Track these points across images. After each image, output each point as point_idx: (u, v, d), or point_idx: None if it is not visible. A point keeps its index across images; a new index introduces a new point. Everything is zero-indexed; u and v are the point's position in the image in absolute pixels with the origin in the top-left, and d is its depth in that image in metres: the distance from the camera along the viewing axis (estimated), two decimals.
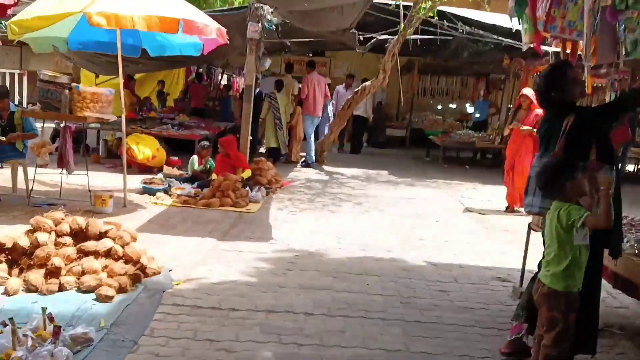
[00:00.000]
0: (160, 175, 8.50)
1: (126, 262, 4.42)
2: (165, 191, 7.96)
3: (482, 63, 15.39)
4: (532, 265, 4.19)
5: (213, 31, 6.67)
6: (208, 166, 8.78)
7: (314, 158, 11.86)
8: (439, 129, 15.43)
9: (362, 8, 8.29)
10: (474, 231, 7.24)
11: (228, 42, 7.05)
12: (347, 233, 6.62)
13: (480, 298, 4.77)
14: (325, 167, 11.94)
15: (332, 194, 9.03)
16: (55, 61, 17.29)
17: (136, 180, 8.22)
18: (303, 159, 12.09)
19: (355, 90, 11.72)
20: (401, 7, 10.62)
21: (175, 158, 9.83)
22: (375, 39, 11.82)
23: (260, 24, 8.39)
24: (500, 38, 10.98)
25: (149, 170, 9.27)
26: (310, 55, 18.29)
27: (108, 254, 4.41)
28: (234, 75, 17.84)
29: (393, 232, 6.85)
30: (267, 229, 6.62)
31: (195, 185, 8.23)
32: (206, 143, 8.92)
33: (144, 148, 9.16)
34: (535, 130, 7.41)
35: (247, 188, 7.92)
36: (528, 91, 8.00)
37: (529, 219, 4.82)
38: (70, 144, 6.97)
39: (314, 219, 7.30)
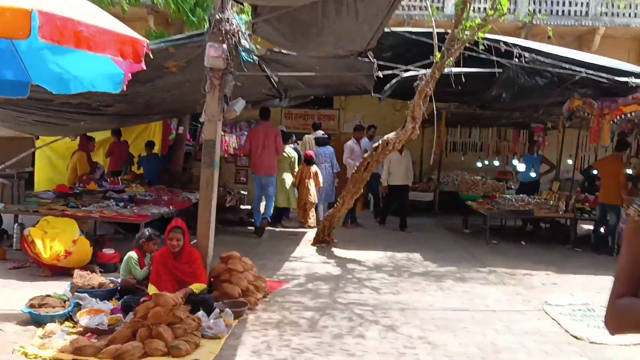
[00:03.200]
0: (63, 290, 5.25)
1: None
2: (69, 317, 4.77)
3: (528, 108, 12.32)
4: None
5: (117, 45, 3.60)
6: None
7: (258, 221, 9.77)
8: (478, 192, 12.20)
9: (388, 9, 5.19)
10: None
11: (144, 68, 3.95)
12: None
13: None
14: (336, 250, 8.70)
15: (348, 306, 5.74)
16: None
17: (36, 291, 5.05)
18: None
19: (375, 145, 8.60)
20: (434, 30, 7.64)
21: (111, 251, 6.63)
22: (399, 77, 8.81)
23: (225, 46, 5.38)
24: (573, 68, 7.93)
25: (65, 272, 6.07)
26: (316, 107, 15.49)
27: None
28: (222, 134, 14.85)
29: None
30: None
31: (120, 304, 5.02)
32: (149, 232, 5.71)
33: (52, 242, 5.96)
34: None
35: (201, 314, 4.67)
36: None
37: None
38: None
39: None
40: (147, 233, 5.67)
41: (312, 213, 11.22)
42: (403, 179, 10.79)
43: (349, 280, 6.86)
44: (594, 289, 6.85)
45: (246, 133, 15.24)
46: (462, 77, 8.08)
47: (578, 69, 7.98)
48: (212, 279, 5.66)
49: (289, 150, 10.92)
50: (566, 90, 9.18)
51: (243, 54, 5.98)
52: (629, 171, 9.78)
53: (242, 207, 13.44)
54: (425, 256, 8.46)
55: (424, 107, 8.08)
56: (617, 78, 7.97)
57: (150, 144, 11.99)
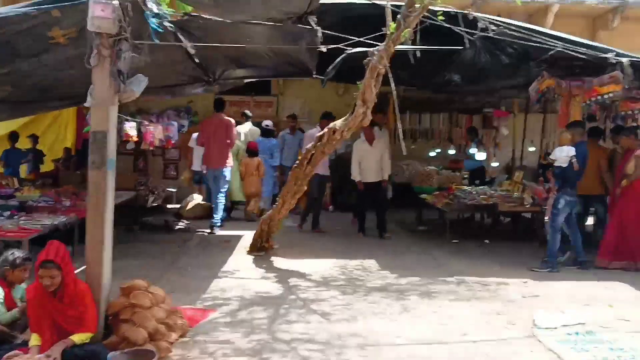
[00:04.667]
0: None
1: None
2: None
3: (484, 92, 11.34)
4: None
5: None
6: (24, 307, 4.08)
7: (218, 221, 9.19)
8: (432, 183, 11.06)
9: None
10: None
11: None
12: None
13: None
14: (276, 260, 7.36)
15: (292, 345, 4.42)
16: None
17: None
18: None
19: (319, 134, 7.27)
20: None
21: None
22: (345, 54, 7.50)
23: (116, 1, 3.91)
24: (548, 42, 6.84)
25: None
26: (253, 94, 14.04)
27: None
28: (147, 124, 13.12)
29: None
30: None
31: None
32: (16, 256, 4.17)
33: None
34: None
35: None
36: None
37: None
38: None
39: None
40: (11, 258, 4.14)
41: (257, 205, 10.63)
42: (375, 173, 9.05)
43: (292, 304, 5.53)
44: (581, 300, 5.81)
45: (174, 123, 13.71)
46: (416, 54, 6.92)
47: (553, 42, 6.91)
48: (109, 318, 4.23)
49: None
50: (532, 70, 8.17)
51: (152, 19, 4.54)
52: None
53: (169, 206, 11.89)
54: (381, 263, 7.24)
55: (377, 88, 6.81)
56: (598, 53, 6.94)
57: (13, 136, 10.54)
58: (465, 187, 10.14)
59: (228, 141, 9.28)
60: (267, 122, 11.44)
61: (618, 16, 12.48)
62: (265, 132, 11.19)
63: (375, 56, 6.54)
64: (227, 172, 9.36)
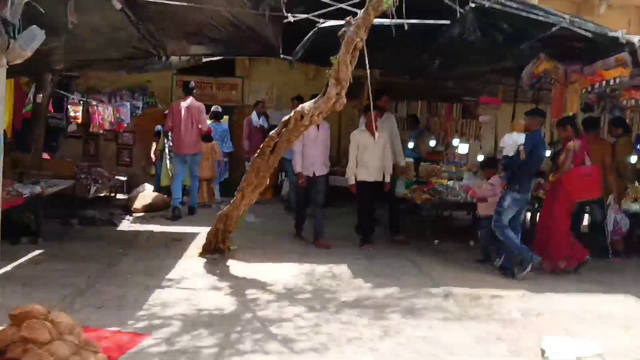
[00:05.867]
0: None
1: None
2: None
3: (465, 77, 10.46)
4: None
5: None
6: None
7: (179, 203, 8.98)
8: (410, 176, 10.07)
9: None
10: None
11: None
12: None
13: None
14: (232, 265, 6.29)
15: None
16: None
17: None
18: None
19: (285, 119, 6.18)
20: None
21: None
22: (316, 27, 6.46)
23: None
24: (552, 16, 5.90)
25: None
26: (215, 75, 12.91)
27: None
28: (95, 103, 11.77)
29: None
30: None
31: None
32: None
33: None
34: None
35: None
36: None
37: None
38: None
39: None
40: None
41: (211, 189, 10.51)
42: (377, 171, 7.40)
43: (247, 325, 4.48)
44: (591, 320, 4.93)
45: (127, 104, 12.51)
46: (405, 27, 5.88)
47: (556, 17, 5.98)
48: None
49: None
50: (524, 52, 7.25)
51: None
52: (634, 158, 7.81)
53: (120, 196, 10.70)
54: (354, 269, 6.25)
55: (352, 65, 5.77)
56: (608, 32, 6.04)
57: None
58: (448, 182, 9.20)
59: (200, 126, 9.03)
60: (216, 107, 11.09)
61: (604, 3, 11.72)
62: (215, 116, 10.84)
63: (351, 26, 5.52)
64: (199, 157, 9.41)
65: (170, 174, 9.61)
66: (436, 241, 7.78)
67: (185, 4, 4.90)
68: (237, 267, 6.20)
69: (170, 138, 9.69)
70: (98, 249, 6.70)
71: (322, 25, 6.36)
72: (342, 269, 6.26)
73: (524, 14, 5.80)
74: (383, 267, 6.44)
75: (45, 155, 10.22)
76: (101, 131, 12.00)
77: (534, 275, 6.14)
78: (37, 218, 6.78)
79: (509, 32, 6.69)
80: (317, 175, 7.52)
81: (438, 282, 5.84)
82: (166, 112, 9.90)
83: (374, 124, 7.07)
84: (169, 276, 5.71)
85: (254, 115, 10.83)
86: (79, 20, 5.68)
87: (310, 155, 7.46)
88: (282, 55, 7.58)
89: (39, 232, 6.77)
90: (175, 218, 8.69)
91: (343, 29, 5.58)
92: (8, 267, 5.66)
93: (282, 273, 5.99)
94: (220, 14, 5.96)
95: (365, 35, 5.51)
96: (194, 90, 9.35)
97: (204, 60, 9.55)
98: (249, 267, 6.17)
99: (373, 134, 7.37)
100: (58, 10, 4.92)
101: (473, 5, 5.80)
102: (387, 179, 7.48)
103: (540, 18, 5.84)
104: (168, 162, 10.05)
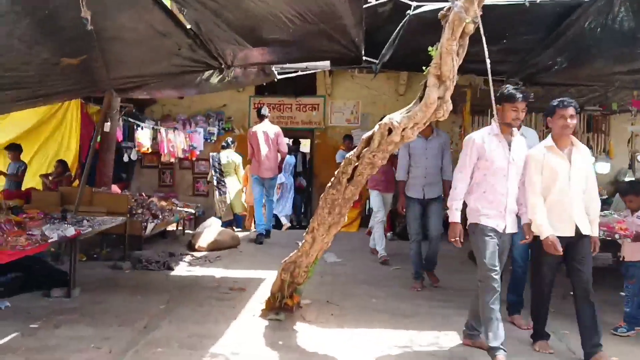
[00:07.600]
0: None
1: None
2: None
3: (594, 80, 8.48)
4: None
5: None
6: None
7: (263, 229, 9.02)
8: None
9: None
10: None
11: None
12: None
13: None
14: (303, 330, 4.75)
15: None
16: None
17: None
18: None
19: (368, 134, 4.51)
20: None
21: None
22: (407, 15, 4.93)
23: None
24: None
25: None
26: (294, 95, 11.76)
27: None
28: (163, 131, 10.67)
29: None
30: None
31: None
32: None
33: None
34: None
35: None
36: None
37: None
38: None
39: None
40: None
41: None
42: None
43: None
44: None
45: (200, 130, 11.56)
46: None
47: None
48: None
49: (233, 154, 10.29)
50: None
51: None
52: None
53: (188, 231, 9.56)
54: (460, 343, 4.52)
55: (461, 57, 4.14)
56: None
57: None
58: None
59: (279, 150, 8.96)
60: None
61: None
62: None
63: (459, 2, 3.91)
64: (276, 182, 9.48)
65: (224, 207, 9.92)
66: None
67: None
68: (307, 334, 4.64)
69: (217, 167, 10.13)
70: (140, 304, 5.40)
71: (416, 11, 4.87)
72: (453, 337, 4.54)
73: None
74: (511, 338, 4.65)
75: (116, 188, 9.30)
76: (172, 159, 11.05)
77: None
78: (72, 265, 5.60)
79: None
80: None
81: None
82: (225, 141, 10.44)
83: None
84: (214, 349, 4.25)
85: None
86: (104, 24, 4.50)
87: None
88: (364, 58, 6.14)
89: (72, 283, 5.57)
90: (259, 243, 8.77)
91: (448, 5, 3.99)
92: (13, 334, 4.44)
93: (371, 344, 4.37)
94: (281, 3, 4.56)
95: (480, 13, 3.89)
96: (266, 117, 9.09)
97: (281, 77, 8.13)
98: (323, 335, 4.60)
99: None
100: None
101: None
102: (595, 232, 4.27)
103: None
104: (217, 193, 10.12)
